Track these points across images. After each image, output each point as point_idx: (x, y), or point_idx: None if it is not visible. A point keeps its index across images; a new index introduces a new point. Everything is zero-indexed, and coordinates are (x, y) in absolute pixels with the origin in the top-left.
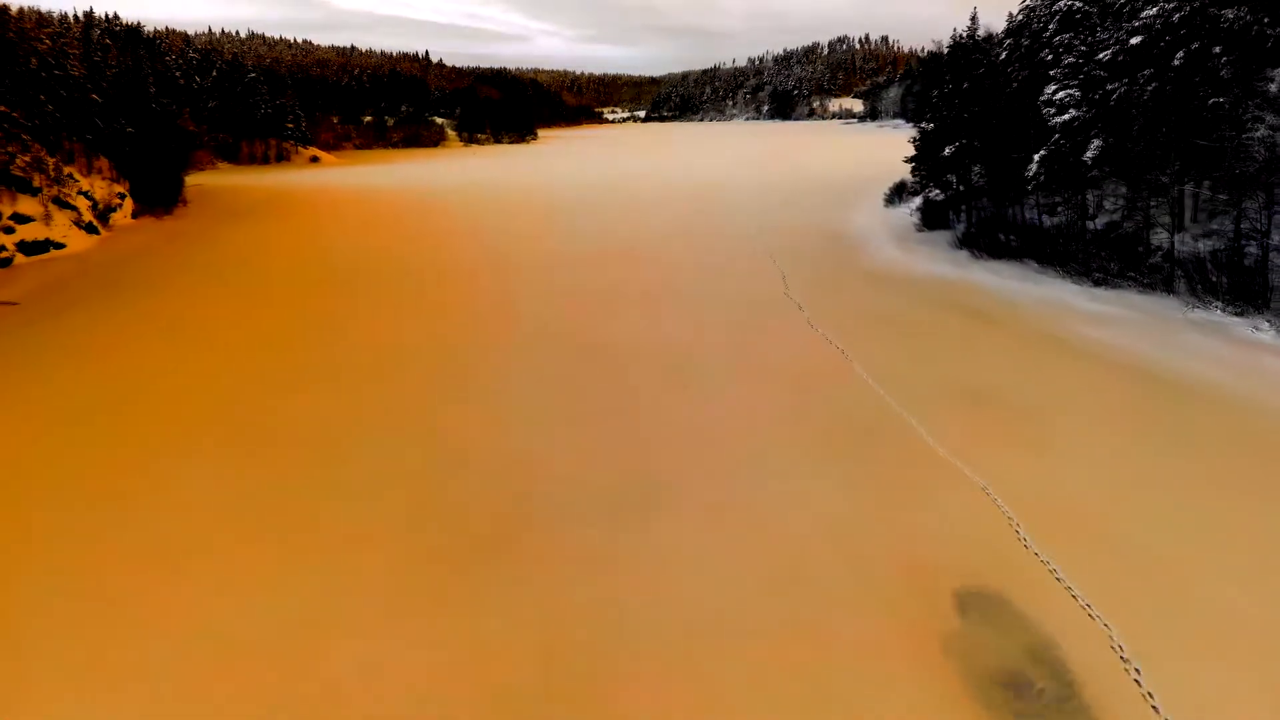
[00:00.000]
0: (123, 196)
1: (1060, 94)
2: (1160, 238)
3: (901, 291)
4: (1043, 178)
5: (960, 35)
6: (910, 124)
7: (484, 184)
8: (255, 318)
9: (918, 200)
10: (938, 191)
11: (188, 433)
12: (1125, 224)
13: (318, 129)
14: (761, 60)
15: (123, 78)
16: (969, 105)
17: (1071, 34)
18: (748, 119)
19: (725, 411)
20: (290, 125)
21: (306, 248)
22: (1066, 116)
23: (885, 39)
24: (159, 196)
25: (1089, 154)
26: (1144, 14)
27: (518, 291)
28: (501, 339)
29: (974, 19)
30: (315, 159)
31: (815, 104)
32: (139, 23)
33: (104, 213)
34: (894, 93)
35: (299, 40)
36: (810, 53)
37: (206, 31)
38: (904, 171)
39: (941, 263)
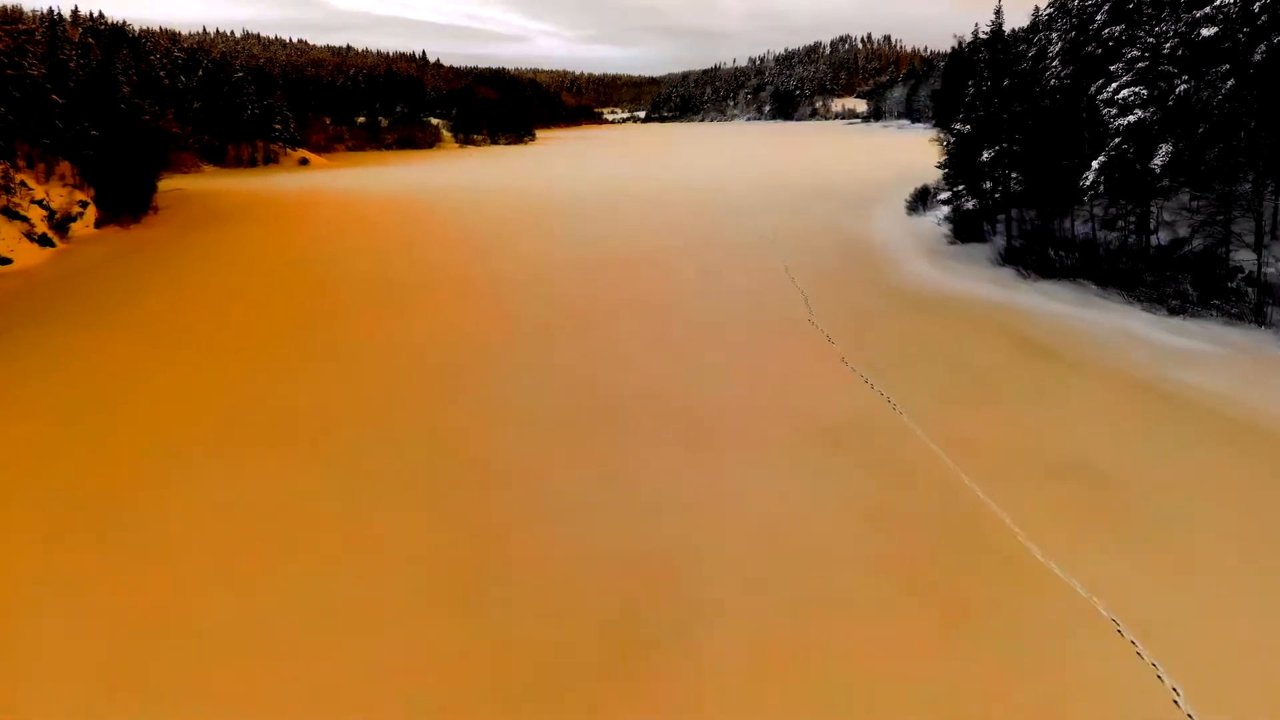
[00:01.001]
0: (85, 205)
1: (1124, 92)
2: (1241, 257)
3: (944, 317)
4: (1102, 187)
5: (983, 31)
6: (919, 124)
7: (474, 190)
8: (202, 365)
9: (945, 208)
10: (972, 200)
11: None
12: (1195, 240)
13: (309, 130)
14: (763, 60)
15: (91, 77)
16: (1009, 105)
17: (1123, 25)
18: (749, 119)
19: (760, 495)
20: (278, 126)
21: (277, 262)
22: (1132, 118)
23: (888, 38)
24: (127, 203)
25: (1157, 160)
26: (1216, 1)
27: (508, 318)
28: (487, 381)
29: (999, 12)
30: (304, 161)
31: (818, 104)
32: (124, 21)
33: (62, 223)
34: (898, 92)
35: (294, 40)
36: (812, 52)
37: (201, 31)
38: (920, 174)
39: (984, 282)
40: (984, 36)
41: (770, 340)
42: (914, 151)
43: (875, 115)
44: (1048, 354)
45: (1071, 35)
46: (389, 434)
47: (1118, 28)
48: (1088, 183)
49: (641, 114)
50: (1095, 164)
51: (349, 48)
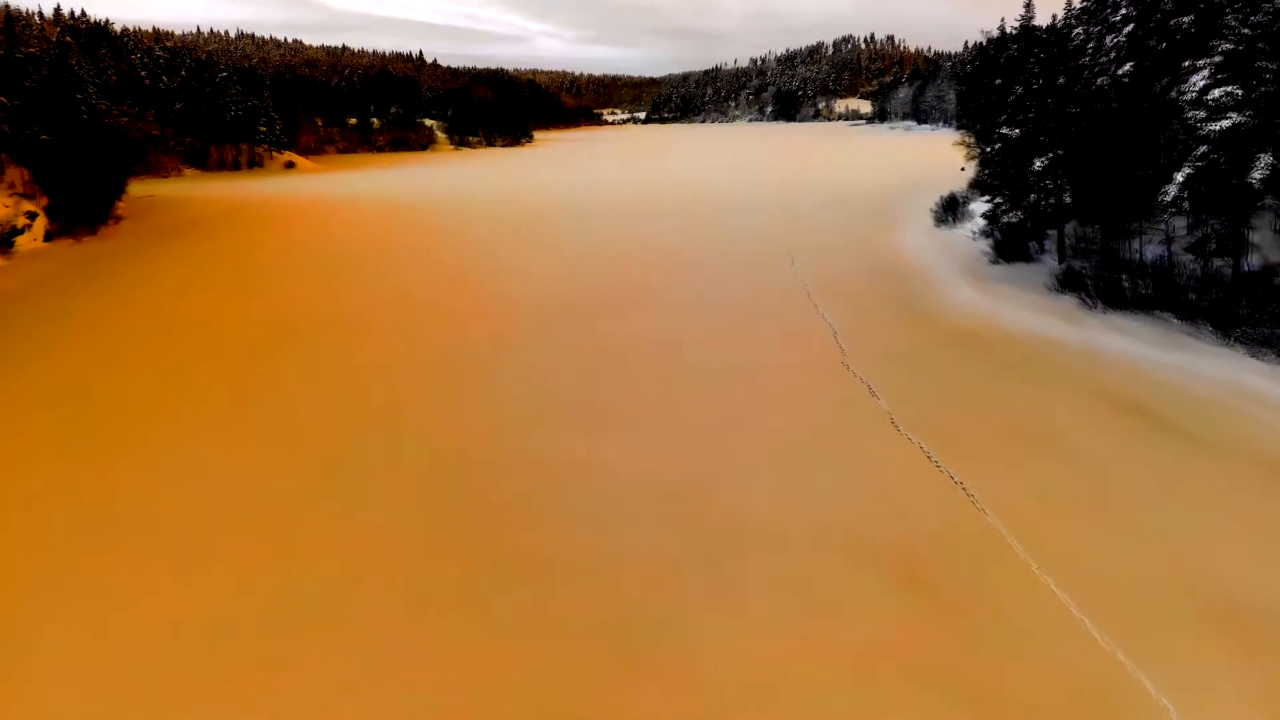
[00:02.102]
0: (34, 216)
1: (1215, 92)
2: None
3: (1007, 362)
4: (1186, 203)
5: (1011, 27)
6: (925, 126)
7: (459, 199)
8: (118, 435)
9: (979, 220)
10: (1016, 214)
11: None
12: None
13: (298, 132)
14: (764, 60)
15: (50, 78)
16: (1064, 107)
17: (1192, 16)
18: (751, 120)
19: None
20: (263, 129)
21: (227, 292)
22: (1225, 123)
23: (891, 38)
24: (84, 214)
25: (1256, 174)
26: None
27: (472, 386)
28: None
29: (1029, 5)
30: (291, 165)
31: (820, 105)
32: (107, 20)
33: (5, 237)
34: (903, 93)
35: (289, 40)
36: (814, 52)
37: (195, 31)
38: (938, 180)
39: (1044, 313)
40: (1012, 32)
41: (803, 401)
42: (926, 154)
43: (880, 116)
44: (1155, 422)
45: (1131, 27)
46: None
47: (1185, 18)
48: (1169, 198)
49: (641, 115)
50: (1180, 177)
51: (344, 47)
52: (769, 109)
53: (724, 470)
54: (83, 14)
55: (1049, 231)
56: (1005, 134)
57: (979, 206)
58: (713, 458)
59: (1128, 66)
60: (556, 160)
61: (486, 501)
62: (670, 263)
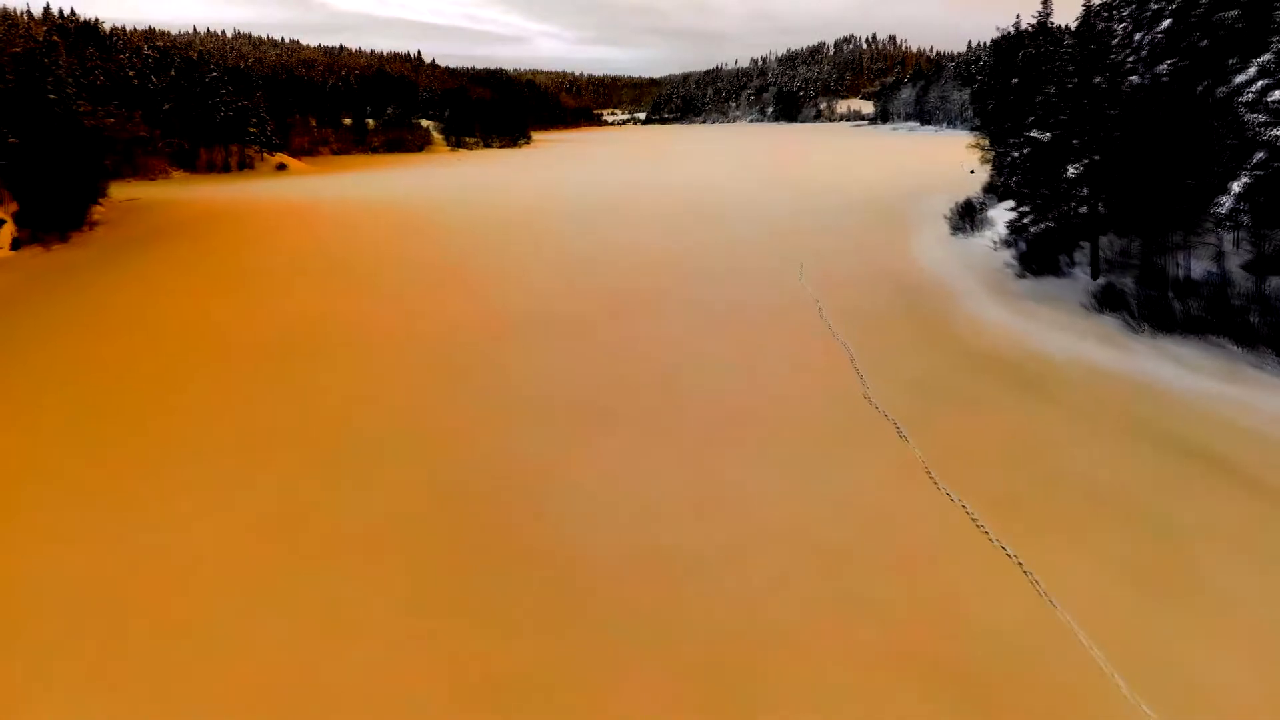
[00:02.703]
0: (0, 222)
1: (1277, 93)
2: None
3: (1052, 397)
4: (1246, 217)
5: (1027, 23)
6: (929, 127)
7: (453, 200)
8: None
9: (999, 229)
10: (1046, 223)
11: None
12: None
13: (292, 133)
14: (765, 61)
15: (22, 78)
16: (1102, 108)
17: (1237, 10)
18: (752, 121)
19: None
20: (253, 130)
21: (207, 298)
22: None
23: (893, 38)
24: (56, 220)
25: None
26: None
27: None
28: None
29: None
30: (282, 166)
31: (822, 105)
32: (96, 19)
33: None
34: (906, 93)
35: (286, 40)
36: (816, 53)
37: (191, 31)
38: (948, 183)
39: (1083, 336)
40: (1029, 28)
41: (822, 448)
42: (932, 156)
43: (883, 117)
44: (1236, 476)
45: (1169, 23)
46: None
47: (1229, 13)
48: (1224, 209)
49: (642, 115)
50: (1235, 186)
51: (341, 47)
52: (770, 109)
53: (728, 555)
54: (72, 13)
55: (1081, 243)
56: (1035, 137)
57: (998, 214)
58: (729, 528)
59: (1165, 65)
60: (552, 162)
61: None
62: (668, 273)
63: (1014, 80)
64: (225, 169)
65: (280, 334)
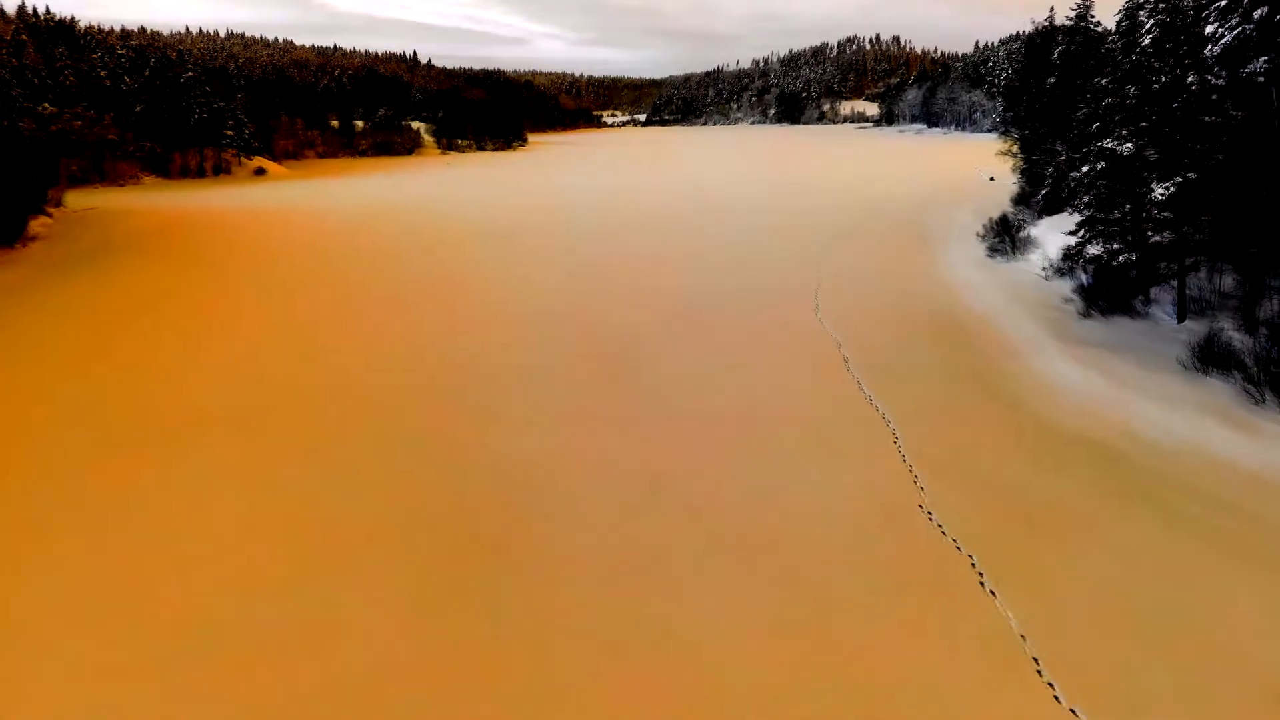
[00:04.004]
0: None
1: None
2: None
3: (1180, 519)
4: None
5: (1066, 16)
6: (937, 129)
7: (430, 213)
8: None
9: (1048, 250)
10: (1125, 253)
11: None
12: None
13: (275, 135)
14: (767, 62)
15: None
16: (1195, 115)
17: None
18: (753, 123)
19: None
20: (229, 132)
21: (128, 341)
22: None
23: (897, 39)
24: None
25: None
26: None
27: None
28: None
29: None
30: (261, 171)
31: (825, 107)
32: (72, 17)
33: None
34: (912, 95)
35: (279, 40)
36: (819, 53)
37: (184, 31)
38: (968, 190)
39: (1195, 411)
40: (1068, 22)
41: (871, 618)
42: (946, 160)
43: (888, 119)
44: None
45: (1264, 11)
46: None
47: None
48: None
49: (642, 117)
50: None
51: (335, 47)
52: (772, 111)
53: None
54: (47, 11)
55: (1164, 278)
56: (1112, 149)
57: (1042, 233)
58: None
59: (1260, 62)
60: (552, 167)
61: None
62: (665, 311)
63: (1049, 80)
64: (200, 173)
65: (194, 409)
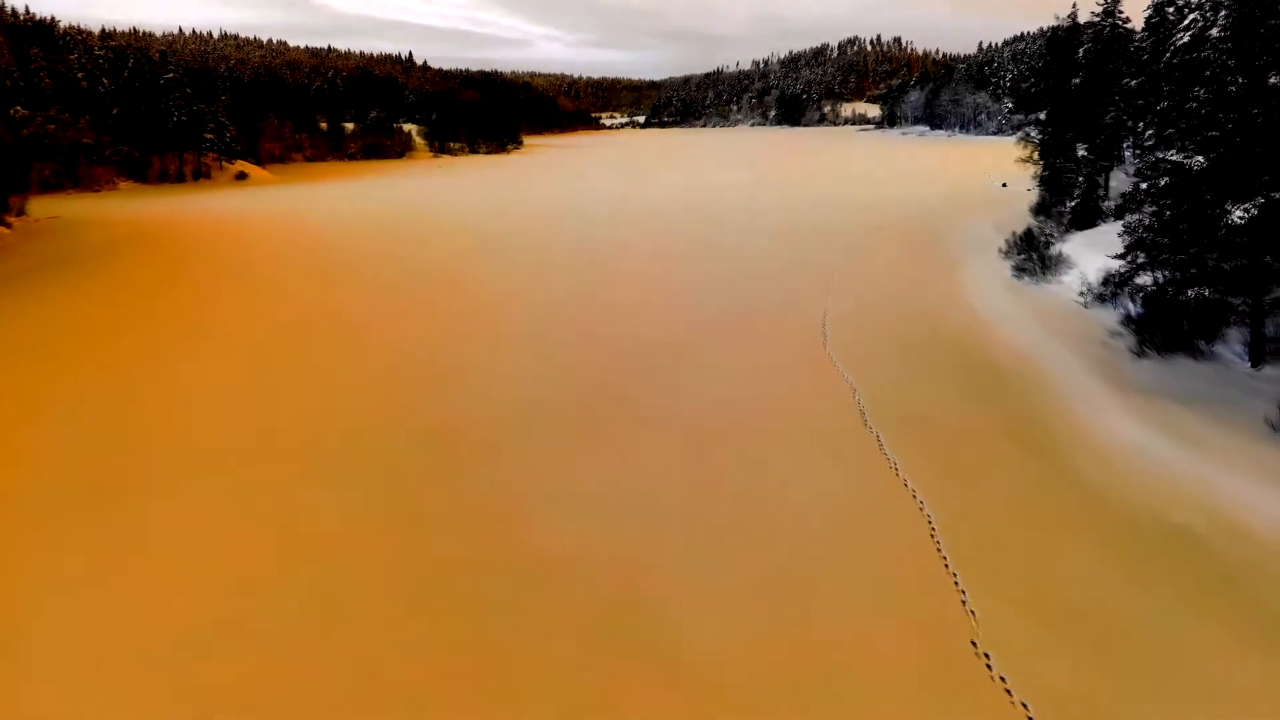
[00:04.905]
0: None
1: None
2: None
3: None
4: None
5: (1093, 10)
6: (940, 131)
7: (414, 220)
8: None
9: (1085, 272)
10: (1197, 287)
11: None
12: None
13: (262, 138)
14: (767, 63)
15: None
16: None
17: None
18: (753, 124)
19: None
20: (209, 135)
21: (51, 374)
22: None
23: (898, 40)
24: None
25: None
26: None
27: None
28: None
29: None
30: (243, 175)
31: (826, 109)
32: (52, 17)
33: None
34: (914, 96)
35: (273, 41)
36: (819, 55)
37: (177, 32)
38: (977, 198)
39: None
40: (1095, 18)
41: None
42: (954, 164)
43: (890, 121)
44: None
45: None
46: None
47: None
48: None
49: (641, 119)
50: None
51: (330, 48)
52: (772, 113)
53: None
54: (26, 10)
55: (1236, 311)
56: (1177, 162)
57: (1074, 250)
58: None
59: None
60: (546, 172)
61: None
62: (640, 356)
63: (1074, 80)
64: (180, 178)
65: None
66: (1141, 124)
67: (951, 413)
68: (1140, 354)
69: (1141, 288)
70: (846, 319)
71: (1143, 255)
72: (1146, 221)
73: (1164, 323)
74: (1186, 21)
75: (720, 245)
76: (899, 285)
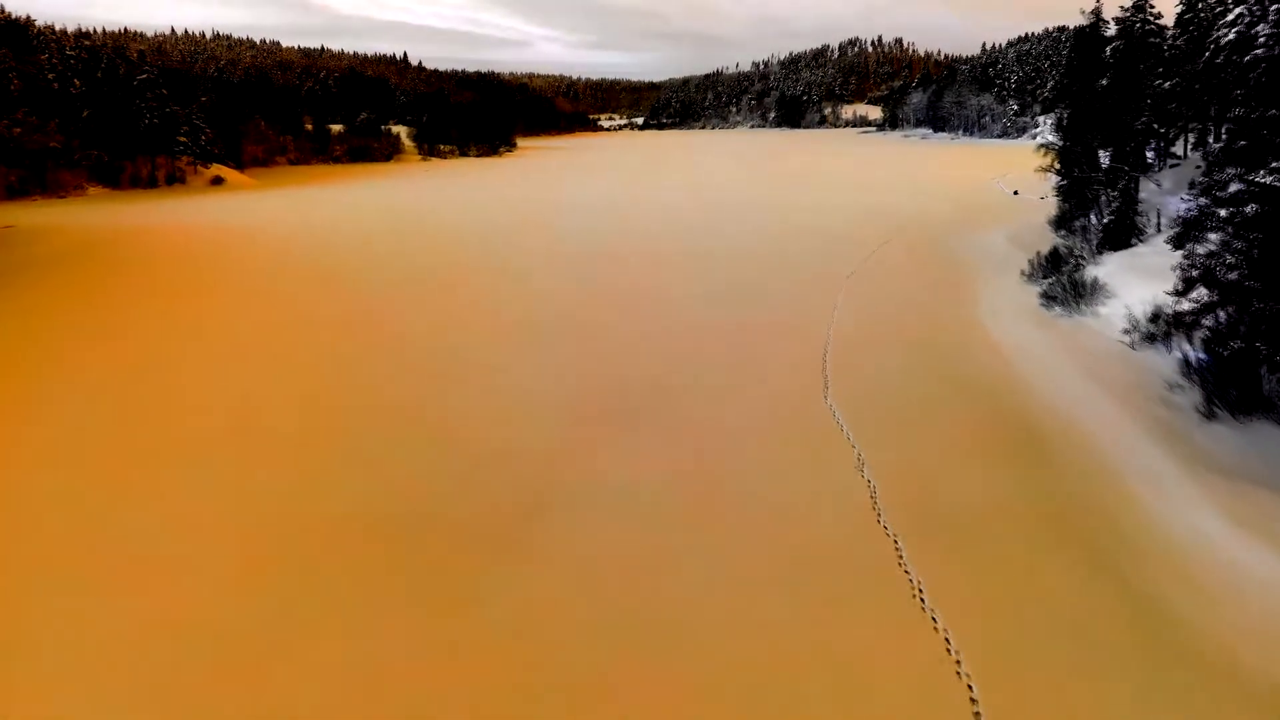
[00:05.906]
0: None
1: None
2: None
3: None
4: None
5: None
6: (943, 134)
7: (391, 231)
8: None
9: (1130, 303)
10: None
11: None
12: None
13: (245, 141)
14: (767, 64)
15: None
16: None
17: None
18: (753, 126)
19: None
20: (183, 139)
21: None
22: None
23: (899, 41)
24: None
25: None
26: None
27: None
28: None
29: None
30: (219, 180)
31: (826, 110)
32: (28, 16)
33: None
34: (916, 98)
35: (265, 42)
36: (820, 56)
37: (169, 32)
38: (986, 206)
39: None
40: (1126, 13)
41: None
42: (963, 171)
43: (891, 123)
44: None
45: None
46: None
47: None
48: None
49: (640, 120)
50: None
51: (323, 49)
52: (772, 115)
53: None
54: (1, 10)
55: None
56: (1269, 184)
57: (1114, 276)
58: None
59: None
60: (537, 177)
61: None
62: (611, 422)
63: (1102, 82)
64: (152, 183)
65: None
66: (1172, 130)
67: (986, 504)
68: (1209, 415)
69: (1202, 326)
70: (850, 360)
71: (1210, 292)
72: (1222, 255)
73: (1238, 375)
74: (1231, 16)
75: (716, 270)
76: (910, 317)
